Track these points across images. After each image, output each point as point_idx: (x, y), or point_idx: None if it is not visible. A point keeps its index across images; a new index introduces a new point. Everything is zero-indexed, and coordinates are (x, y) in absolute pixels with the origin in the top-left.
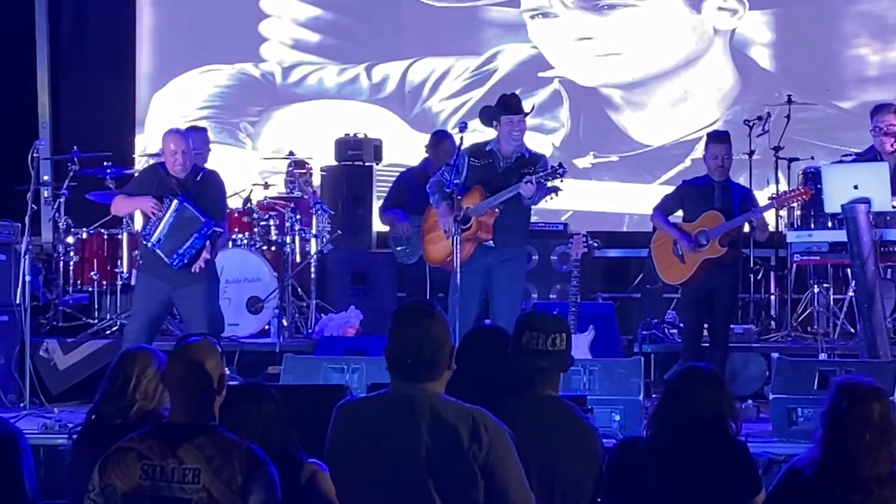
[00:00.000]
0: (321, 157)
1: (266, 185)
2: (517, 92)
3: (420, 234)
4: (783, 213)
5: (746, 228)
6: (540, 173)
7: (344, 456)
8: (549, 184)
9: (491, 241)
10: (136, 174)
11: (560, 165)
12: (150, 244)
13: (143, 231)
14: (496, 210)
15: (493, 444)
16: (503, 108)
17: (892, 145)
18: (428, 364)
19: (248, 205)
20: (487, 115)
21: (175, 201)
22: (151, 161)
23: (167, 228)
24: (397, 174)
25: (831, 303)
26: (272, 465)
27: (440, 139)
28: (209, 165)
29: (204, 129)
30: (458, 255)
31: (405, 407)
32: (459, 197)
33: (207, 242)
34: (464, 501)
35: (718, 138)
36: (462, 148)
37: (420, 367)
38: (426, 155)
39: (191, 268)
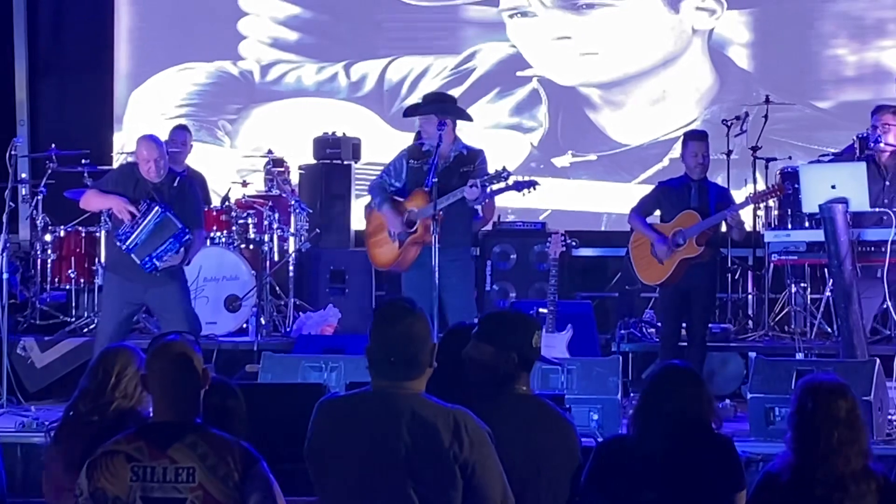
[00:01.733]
0: (299, 156)
1: (244, 184)
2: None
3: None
4: (761, 212)
5: (724, 228)
6: (484, 177)
7: (323, 453)
8: (496, 186)
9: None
10: (112, 171)
11: (504, 169)
12: (124, 247)
13: (119, 233)
14: (441, 212)
15: (474, 443)
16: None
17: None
18: (410, 362)
19: (227, 203)
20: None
21: (157, 208)
22: (129, 159)
23: (145, 235)
24: (377, 172)
25: (809, 302)
26: (264, 462)
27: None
28: (189, 162)
29: (186, 128)
30: (435, 256)
31: (386, 405)
32: (427, 189)
33: (182, 249)
34: (442, 501)
35: (696, 136)
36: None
37: (402, 365)
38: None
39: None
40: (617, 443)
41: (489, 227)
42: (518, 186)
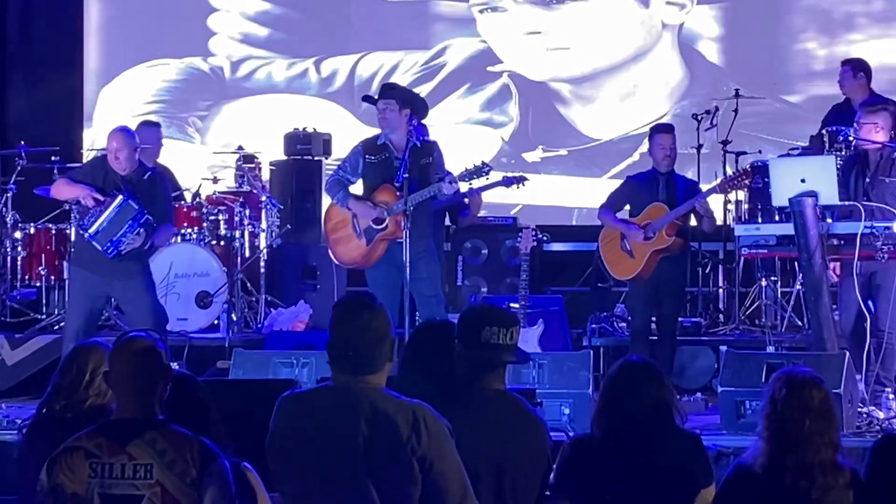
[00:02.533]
0: (270, 152)
1: (215, 180)
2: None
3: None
4: (731, 206)
5: (694, 221)
6: (462, 172)
7: (284, 448)
8: (481, 181)
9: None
10: (85, 163)
11: (484, 164)
12: (86, 235)
13: (82, 222)
14: (406, 208)
15: (433, 438)
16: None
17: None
18: (369, 357)
19: (197, 199)
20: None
21: (119, 197)
22: (100, 154)
23: (106, 223)
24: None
25: (779, 296)
26: (224, 458)
27: None
28: (160, 160)
29: (157, 125)
30: (407, 251)
31: (345, 400)
32: (398, 185)
33: (141, 230)
34: (401, 495)
35: (663, 129)
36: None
37: (361, 360)
38: None
39: (122, 254)
40: (584, 442)
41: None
42: (507, 182)
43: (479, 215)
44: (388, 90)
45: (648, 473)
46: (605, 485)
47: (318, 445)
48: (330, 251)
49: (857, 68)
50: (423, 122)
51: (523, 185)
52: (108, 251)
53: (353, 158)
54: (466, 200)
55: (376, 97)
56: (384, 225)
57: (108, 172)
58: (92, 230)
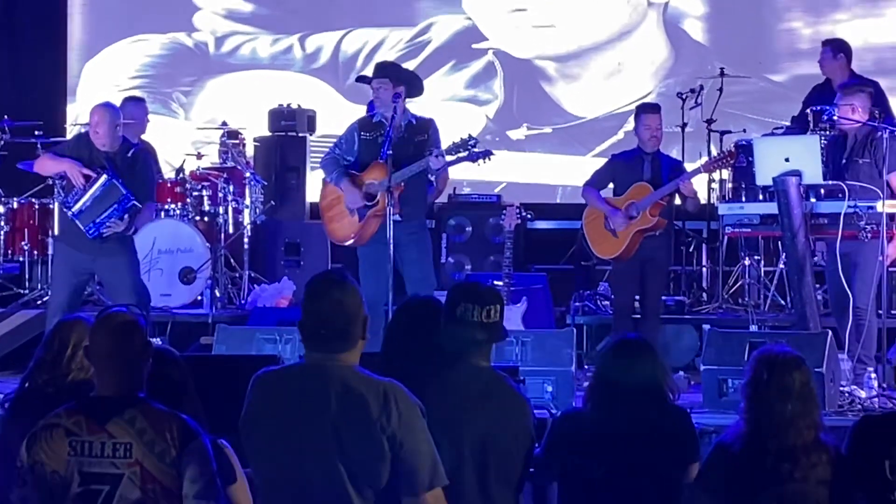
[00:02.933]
0: (254, 128)
1: (199, 156)
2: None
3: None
4: (715, 185)
5: (679, 201)
6: (450, 146)
7: (256, 426)
8: (459, 155)
9: (397, 215)
10: (69, 139)
11: (470, 137)
12: (70, 212)
13: (66, 199)
14: (402, 184)
15: (402, 417)
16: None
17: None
18: (341, 334)
19: (181, 175)
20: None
21: (104, 176)
22: (84, 130)
23: (90, 201)
24: (332, 144)
25: (762, 275)
26: (205, 436)
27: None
28: (146, 137)
29: (142, 100)
30: (391, 228)
31: (317, 378)
32: (388, 166)
33: (126, 216)
34: (369, 473)
35: (649, 109)
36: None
37: (333, 338)
38: None
39: (104, 237)
40: (574, 417)
41: (444, 199)
42: (473, 157)
43: (463, 192)
44: (382, 69)
45: (639, 449)
46: (594, 459)
47: (290, 422)
48: (325, 228)
49: (836, 49)
50: (410, 99)
51: (489, 159)
52: (90, 231)
53: (349, 136)
54: (432, 177)
55: (371, 76)
56: (375, 201)
57: (92, 149)
58: (76, 208)
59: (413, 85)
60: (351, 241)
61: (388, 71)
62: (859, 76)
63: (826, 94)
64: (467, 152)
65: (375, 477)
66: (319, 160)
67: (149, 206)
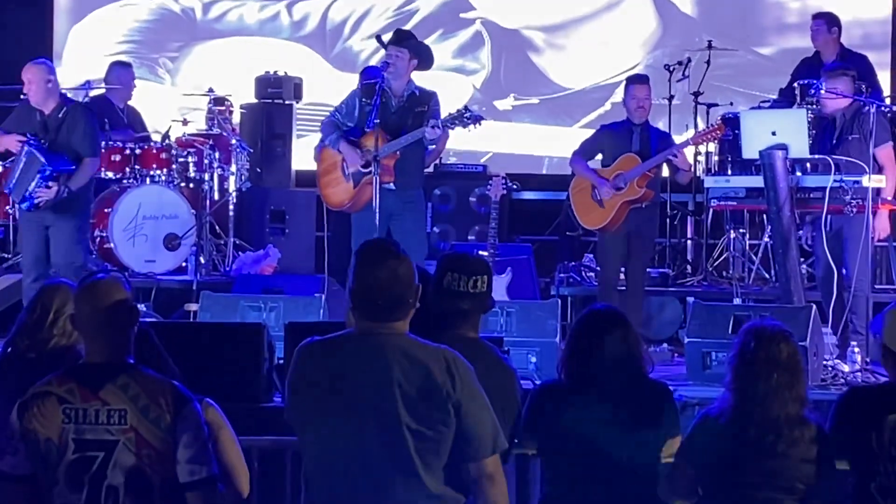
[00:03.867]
0: (241, 95)
1: (185, 122)
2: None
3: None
4: (701, 158)
5: (666, 172)
6: (447, 117)
7: (310, 397)
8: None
9: (392, 184)
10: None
11: (466, 108)
12: (6, 190)
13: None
14: (397, 152)
15: (465, 382)
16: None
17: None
18: (396, 303)
19: (167, 141)
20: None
21: (25, 146)
22: (68, 95)
23: (18, 174)
24: (319, 112)
25: (747, 248)
26: (196, 402)
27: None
28: (132, 102)
29: (129, 65)
30: (376, 198)
31: (375, 347)
32: (373, 129)
33: (51, 183)
34: (436, 439)
35: (638, 80)
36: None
37: (388, 307)
38: None
39: (39, 207)
40: (552, 388)
41: (430, 168)
42: (464, 123)
43: (449, 162)
44: (404, 39)
45: (616, 420)
46: (572, 430)
47: (349, 391)
48: (320, 193)
49: (830, 22)
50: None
51: (479, 124)
52: (23, 205)
53: (350, 101)
54: (431, 147)
55: (387, 42)
56: (369, 169)
57: (31, 113)
58: (7, 185)
59: (424, 60)
60: (346, 207)
61: (409, 42)
62: (850, 50)
63: (815, 68)
64: (463, 122)
65: (442, 444)
66: (315, 126)
67: (90, 161)
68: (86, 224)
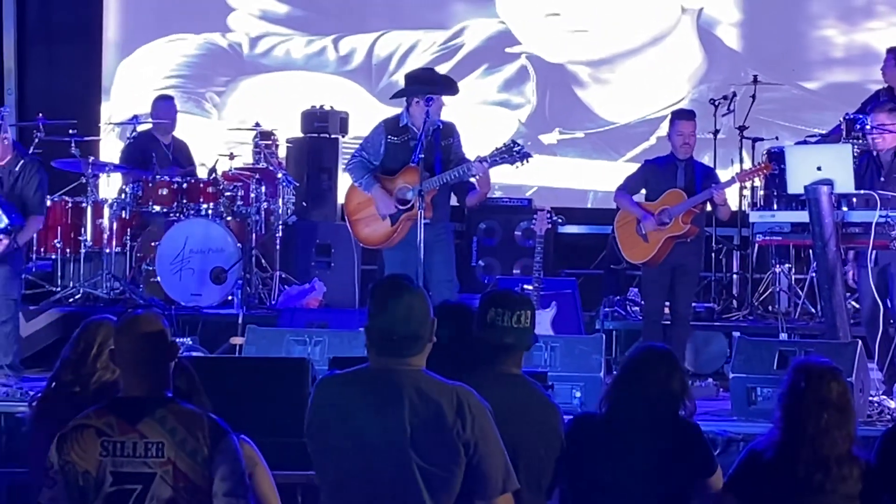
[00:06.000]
0: (287, 129)
1: (231, 156)
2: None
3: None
4: (747, 192)
5: (709, 207)
6: (495, 153)
7: (325, 431)
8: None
9: (427, 219)
10: None
11: (514, 142)
12: None
13: None
14: (436, 188)
15: (476, 421)
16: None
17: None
18: (412, 339)
19: (214, 175)
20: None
21: None
22: (116, 129)
23: None
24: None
25: (793, 283)
26: (233, 435)
27: None
28: (176, 134)
29: (171, 98)
30: (421, 231)
31: (389, 383)
32: (420, 169)
33: (4, 237)
34: (446, 478)
35: (684, 116)
36: (376, 126)
37: (404, 342)
38: None
39: None
40: (587, 419)
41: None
42: (512, 159)
43: (494, 196)
44: (426, 81)
45: (646, 456)
46: (603, 462)
47: (363, 426)
48: (351, 230)
49: None
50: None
51: (528, 161)
52: None
53: (375, 139)
54: (475, 180)
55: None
56: (410, 205)
57: None
58: None
59: (447, 87)
60: (380, 245)
61: (422, 87)
62: None
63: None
64: (511, 157)
65: (451, 482)
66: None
67: (35, 220)
68: (21, 263)
